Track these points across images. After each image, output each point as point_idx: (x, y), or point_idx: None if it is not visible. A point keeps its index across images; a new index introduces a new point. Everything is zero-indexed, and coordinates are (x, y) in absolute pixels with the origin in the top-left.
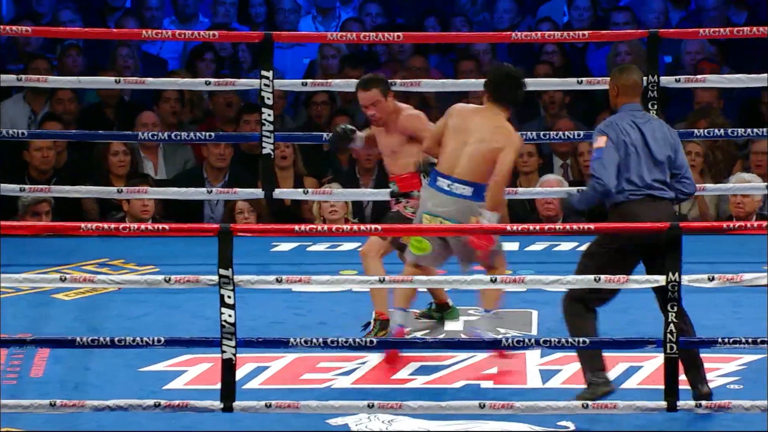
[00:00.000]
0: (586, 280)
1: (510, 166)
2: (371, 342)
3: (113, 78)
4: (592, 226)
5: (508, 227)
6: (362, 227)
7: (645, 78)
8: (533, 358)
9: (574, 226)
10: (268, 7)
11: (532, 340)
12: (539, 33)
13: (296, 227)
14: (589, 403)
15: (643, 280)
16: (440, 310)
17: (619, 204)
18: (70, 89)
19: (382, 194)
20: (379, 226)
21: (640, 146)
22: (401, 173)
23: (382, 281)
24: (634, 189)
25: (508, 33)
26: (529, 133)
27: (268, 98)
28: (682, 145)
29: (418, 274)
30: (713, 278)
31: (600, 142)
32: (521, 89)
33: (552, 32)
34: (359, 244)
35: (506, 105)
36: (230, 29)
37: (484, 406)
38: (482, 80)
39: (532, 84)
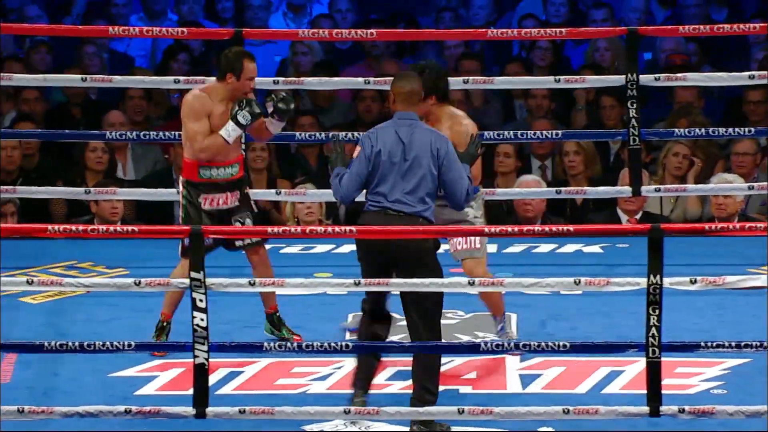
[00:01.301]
0: (566, 283)
1: None
2: (347, 346)
3: (80, 76)
4: (571, 227)
5: (487, 229)
6: (336, 229)
7: (624, 76)
8: (513, 362)
9: (554, 228)
10: (235, 3)
11: (512, 344)
12: (515, 30)
13: (269, 229)
14: (570, 408)
15: (623, 283)
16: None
17: (362, 213)
18: (37, 88)
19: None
20: (354, 228)
21: (398, 158)
22: None
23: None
24: (375, 201)
25: (484, 30)
26: (506, 133)
27: None
28: (452, 158)
29: None
30: (695, 281)
31: (356, 151)
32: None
33: (529, 30)
34: (333, 246)
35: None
36: (199, 26)
37: (463, 411)
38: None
39: (507, 83)
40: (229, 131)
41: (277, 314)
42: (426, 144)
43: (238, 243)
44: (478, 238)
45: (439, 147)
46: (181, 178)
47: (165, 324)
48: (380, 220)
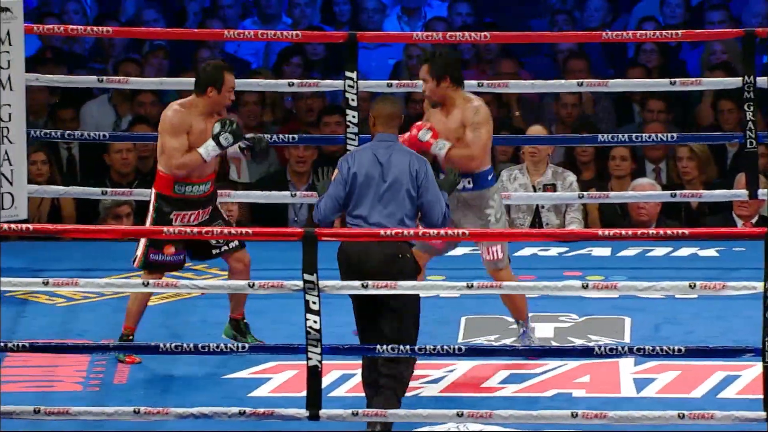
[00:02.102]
0: (681, 287)
1: None
2: (460, 349)
3: (194, 79)
4: (686, 231)
5: (600, 232)
6: (449, 231)
7: (741, 78)
8: (627, 366)
9: (668, 231)
10: (352, 6)
11: (626, 348)
12: (630, 32)
13: (382, 232)
14: (685, 413)
15: (740, 287)
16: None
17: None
18: (152, 92)
19: None
20: (466, 231)
21: (376, 180)
22: None
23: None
24: (356, 224)
25: (599, 32)
26: (620, 135)
27: (353, 100)
28: (431, 180)
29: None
30: None
31: (334, 174)
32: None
33: (644, 31)
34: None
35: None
36: (315, 29)
37: (576, 415)
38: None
39: (625, 86)
40: (209, 150)
41: (244, 321)
42: (404, 166)
43: (215, 251)
44: (499, 246)
45: (418, 169)
46: (153, 189)
47: (130, 337)
48: (361, 244)
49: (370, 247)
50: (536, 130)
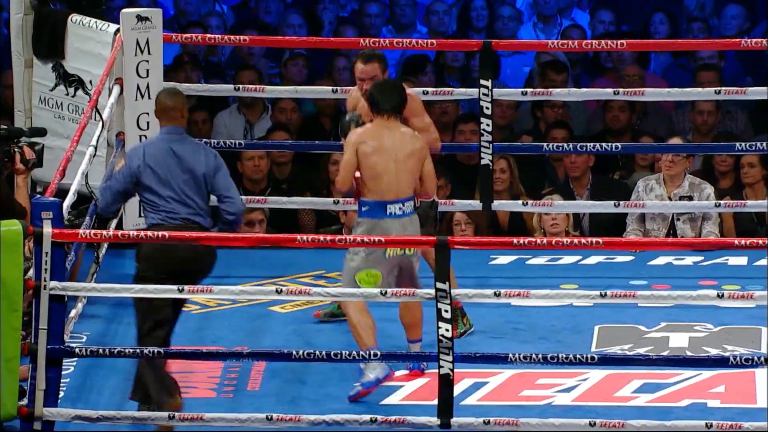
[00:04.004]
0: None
1: (433, 170)
2: (593, 358)
3: (330, 87)
4: None
5: (736, 241)
6: (583, 240)
7: None
8: (762, 376)
9: None
10: (488, 14)
11: (762, 358)
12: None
13: (515, 240)
14: None
15: None
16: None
17: (154, 226)
18: (293, 99)
19: (603, 206)
20: (600, 240)
21: (175, 173)
22: None
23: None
24: (172, 215)
25: (737, 40)
26: (758, 144)
27: (487, 108)
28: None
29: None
30: None
31: (119, 164)
32: (400, 96)
33: None
34: (580, 257)
35: (392, 113)
36: (450, 38)
37: (711, 426)
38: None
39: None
40: None
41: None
42: (200, 157)
43: None
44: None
45: (213, 156)
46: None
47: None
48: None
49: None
50: (674, 141)
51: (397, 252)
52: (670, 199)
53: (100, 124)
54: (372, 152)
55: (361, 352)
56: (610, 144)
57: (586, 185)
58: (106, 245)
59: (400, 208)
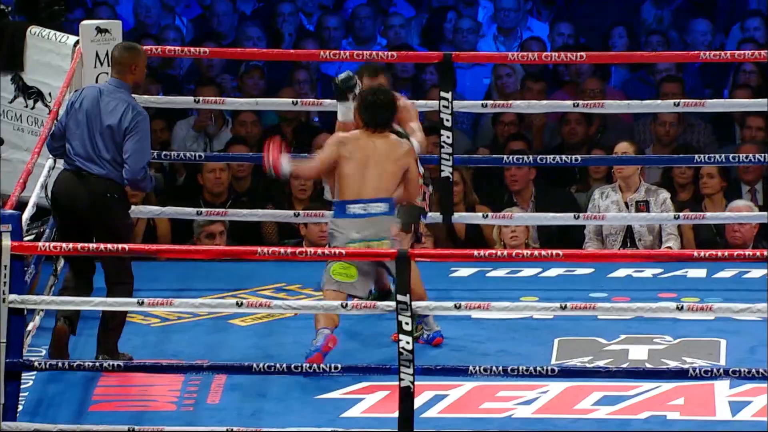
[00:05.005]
0: None
1: (416, 174)
2: (553, 370)
3: (290, 99)
4: None
5: (695, 253)
6: (543, 252)
7: None
8: (722, 389)
9: (765, 253)
10: (454, 26)
11: (721, 370)
12: (729, 52)
13: (475, 252)
14: None
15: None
16: (382, 298)
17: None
18: (254, 111)
19: (564, 218)
20: (560, 252)
21: (91, 120)
22: None
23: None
24: (70, 160)
25: (696, 53)
26: (717, 156)
27: (447, 120)
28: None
29: (337, 299)
30: None
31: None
32: (389, 112)
33: (741, 52)
34: (540, 270)
35: (381, 128)
36: (409, 50)
37: None
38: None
39: (722, 106)
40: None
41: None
42: (120, 111)
43: None
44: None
45: (133, 115)
46: None
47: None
48: (72, 180)
49: (78, 187)
50: (623, 147)
51: (361, 243)
52: (626, 204)
53: None
54: (348, 156)
55: (322, 366)
56: (569, 156)
57: (529, 198)
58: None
59: (362, 209)
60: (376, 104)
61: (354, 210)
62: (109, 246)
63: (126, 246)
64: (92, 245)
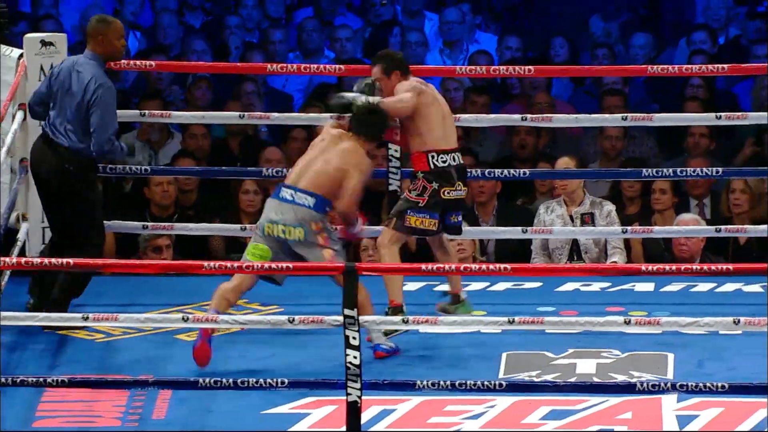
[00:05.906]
0: (725, 323)
1: (355, 189)
2: (501, 385)
3: (237, 113)
4: (730, 266)
5: (643, 267)
6: (491, 266)
7: None
8: (669, 403)
9: (712, 267)
10: (401, 40)
11: (668, 384)
12: (676, 66)
13: (423, 266)
14: None
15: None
16: (453, 301)
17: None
18: (203, 125)
19: (510, 232)
20: (508, 266)
21: (65, 88)
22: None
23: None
24: (44, 127)
25: (644, 66)
26: (665, 170)
27: (396, 133)
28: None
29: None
30: None
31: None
32: (382, 125)
33: (690, 66)
34: (488, 284)
35: (366, 138)
36: (357, 63)
37: None
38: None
39: (670, 120)
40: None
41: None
42: (86, 81)
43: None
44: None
45: (95, 88)
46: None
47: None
48: (41, 148)
49: (44, 155)
50: (564, 162)
51: (273, 232)
52: (571, 217)
53: (4, 150)
54: (312, 145)
55: (268, 381)
56: (517, 170)
57: (491, 211)
58: (8, 273)
59: (290, 195)
60: (369, 120)
61: (284, 194)
62: (53, 260)
63: (71, 260)
64: (35, 260)
